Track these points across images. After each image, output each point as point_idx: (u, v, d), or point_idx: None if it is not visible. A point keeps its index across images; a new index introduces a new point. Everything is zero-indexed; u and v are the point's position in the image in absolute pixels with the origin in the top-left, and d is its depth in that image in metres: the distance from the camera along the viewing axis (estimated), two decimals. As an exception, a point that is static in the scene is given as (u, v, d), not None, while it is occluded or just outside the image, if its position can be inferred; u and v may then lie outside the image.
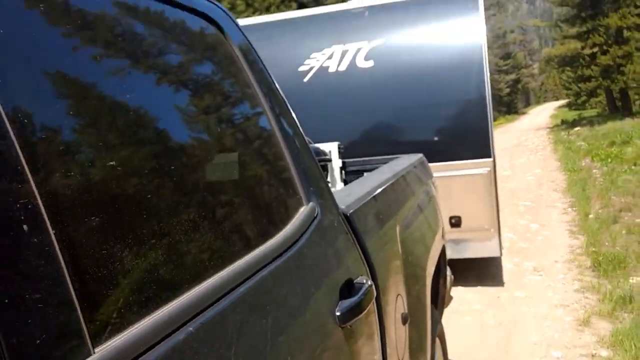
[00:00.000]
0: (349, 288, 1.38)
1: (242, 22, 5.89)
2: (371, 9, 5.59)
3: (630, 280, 4.95)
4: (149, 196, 0.86)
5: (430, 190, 3.24)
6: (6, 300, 0.54)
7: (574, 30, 27.35)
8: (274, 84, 1.52)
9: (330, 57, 5.43)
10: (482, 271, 5.66)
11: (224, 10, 1.40)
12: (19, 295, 0.56)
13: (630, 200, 7.87)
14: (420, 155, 3.58)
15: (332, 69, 5.39)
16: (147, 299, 0.76)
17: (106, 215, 0.75)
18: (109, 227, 0.74)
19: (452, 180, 4.89)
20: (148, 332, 0.71)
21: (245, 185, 1.24)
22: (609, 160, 11.60)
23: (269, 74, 1.51)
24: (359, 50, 5.37)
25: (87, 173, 0.75)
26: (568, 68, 29.60)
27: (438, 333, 2.71)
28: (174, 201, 0.93)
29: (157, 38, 1.11)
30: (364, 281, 1.44)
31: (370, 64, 5.30)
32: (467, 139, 5.04)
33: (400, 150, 4.44)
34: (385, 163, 3.41)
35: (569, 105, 35.30)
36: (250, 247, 1.08)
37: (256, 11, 15.95)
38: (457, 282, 4.14)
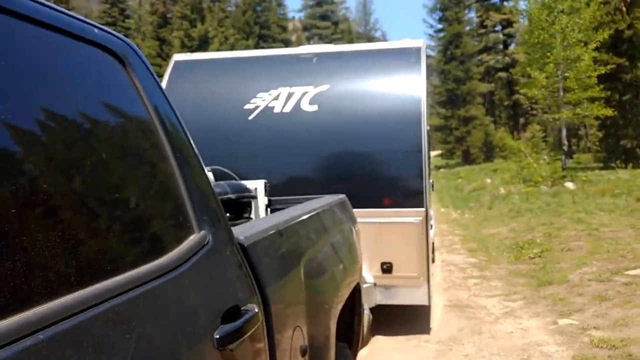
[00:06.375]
0: (234, 314, 1.42)
1: (192, 56, 6.10)
2: (320, 55, 5.77)
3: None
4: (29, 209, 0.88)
5: (349, 231, 3.30)
6: None
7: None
8: (175, 114, 1.57)
9: (276, 98, 5.53)
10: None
11: (125, 42, 1.46)
12: None
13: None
14: (342, 195, 3.65)
15: (277, 110, 5.48)
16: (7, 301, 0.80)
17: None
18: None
19: (386, 227, 4.99)
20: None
21: (135, 210, 1.28)
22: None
23: (169, 104, 1.56)
24: (304, 94, 5.50)
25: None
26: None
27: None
28: (48, 212, 0.96)
29: (55, 70, 1.14)
30: (250, 309, 1.49)
31: (314, 108, 5.43)
32: (402, 188, 5.18)
33: (338, 193, 4.44)
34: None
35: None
36: (125, 267, 1.11)
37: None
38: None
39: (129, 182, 1.30)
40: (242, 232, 1.77)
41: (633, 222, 9.24)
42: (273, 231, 2.01)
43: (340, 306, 2.57)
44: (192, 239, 1.41)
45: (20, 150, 0.95)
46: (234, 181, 3.51)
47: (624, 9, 26.44)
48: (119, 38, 1.43)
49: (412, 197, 5.06)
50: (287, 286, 1.96)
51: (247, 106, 5.53)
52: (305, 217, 2.47)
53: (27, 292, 0.86)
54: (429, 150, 5.48)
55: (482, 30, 48.43)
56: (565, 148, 22.84)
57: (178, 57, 6.11)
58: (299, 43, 49.76)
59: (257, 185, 3.70)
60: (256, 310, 1.50)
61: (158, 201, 1.41)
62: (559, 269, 7.10)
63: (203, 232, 1.46)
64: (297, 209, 2.64)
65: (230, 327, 1.35)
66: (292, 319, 1.90)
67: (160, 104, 1.50)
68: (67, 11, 1.22)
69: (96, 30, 1.31)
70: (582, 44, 20.64)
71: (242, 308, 1.47)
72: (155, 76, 1.56)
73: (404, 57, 5.57)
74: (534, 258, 8.06)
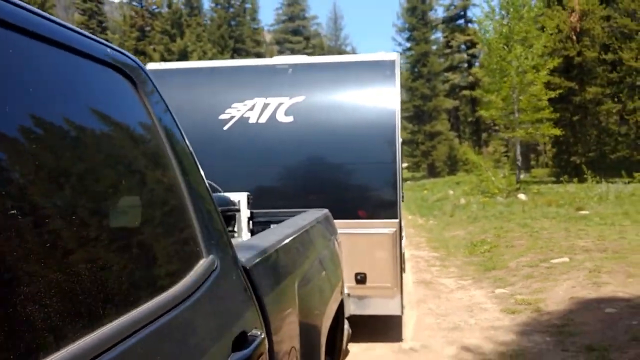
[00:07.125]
0: (242, 340, 1.41)
1: (167, 65, 5.96)
2: (295, 66, 5.74)
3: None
4: (42, 242, 0.87)
5: (333, 246, 3.30)
6: None
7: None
8: (183, 137, 1.55)
9: (251, 109, 5.47)
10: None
11: (135, 61, 1.44)
12: None
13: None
14: (326, 210, 3.67)
15: (252, 120, 5.42)
16: (36, 347, 0.77)
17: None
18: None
19: (360, 238, 5.00)
20: None
21: (144, 236, 1.25)
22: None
23: (178, 127, 1.54)
24: (280, 105, 5.45)
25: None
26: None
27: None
28: (65, 246, 0.94)
29: (66, 88, 1.13)
30: (257, 334, 1.48)
31: (290, 119, 5.39)
32: (376, 200, 5.19)
33: (313, 205, 4.38)
34: (292, 216, 3.38)
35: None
36: (143, 299, 1.09)
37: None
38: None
39: (141, 206, 1.28)
40: (241, 253, 1.75)
41: (568, 227, 11.21)
42: (271, 251, 2.00)
43: (329, 323, 2.59)
44: (202, 264, 1.39)
45: (29, 170, 0.91)
46: (218, 194, 3.43)
47: (574, 37, 29.23)
48: (128, 57, 1.42)
49: (386, 208, 5.08)
50: (284, 307, 1.96)
51: (222, 116, 5.46)
52: (297, 235, 2.46)
53: (45, 334, 0.83)
54: (402, 162, 5.61)
55: (448, 50, 51.35)
56: (519, 163, 25.10)
57: (152, 66, 5.93)
58: (271, 57, 51.11)
59: (240, 198, 3.61)
60: (262, 335, 1.50)
61: (171, 226, 1.38)
62: (502, 259, 9.13)
63: (211, 256, 1.45)
64: (289, 226, 2.61)
65: (241, 354, 1.34)
66: (288, 340, 1.90)
67: (169, 124, 1.49)
68: (81, 30, 1.22)
69: (108, 49, 1.32)
70: (535, 71, 23.08)
71: (249, 334, 1.46)
72: (162, 96, 1.54)
73: (379, 69, 5.59)
74: (484, 252, 10.10)
